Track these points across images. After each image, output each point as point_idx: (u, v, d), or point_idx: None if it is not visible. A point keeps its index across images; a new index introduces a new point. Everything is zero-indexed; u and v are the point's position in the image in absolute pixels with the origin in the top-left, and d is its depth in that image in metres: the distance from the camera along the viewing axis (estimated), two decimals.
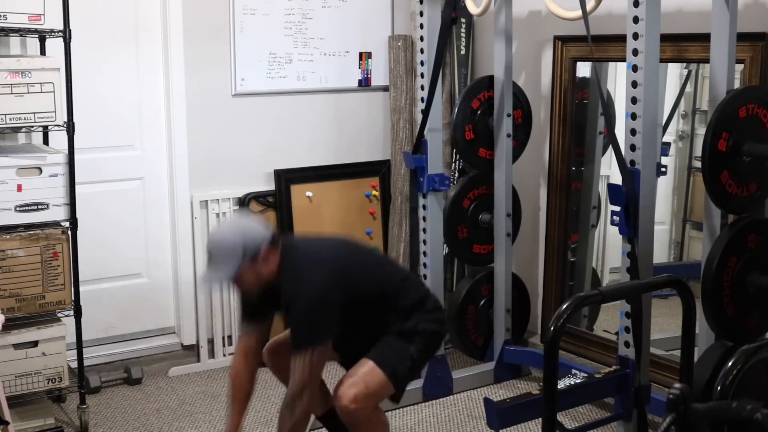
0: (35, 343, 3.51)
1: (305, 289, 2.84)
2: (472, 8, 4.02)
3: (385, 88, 4.72)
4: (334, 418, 3.22)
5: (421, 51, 3.95)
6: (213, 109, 4.37)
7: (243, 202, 4.41)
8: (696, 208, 4.11)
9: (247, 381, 3.09)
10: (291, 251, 2.93)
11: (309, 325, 2.83)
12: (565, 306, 2.33)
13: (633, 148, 3.12)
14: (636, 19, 3.04)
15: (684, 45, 3.60)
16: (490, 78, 4.11)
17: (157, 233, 4.38)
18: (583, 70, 4.19)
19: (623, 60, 3.14)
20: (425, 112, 3.89)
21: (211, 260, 2.88)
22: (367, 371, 2.91)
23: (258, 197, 4.45)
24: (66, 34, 3.49)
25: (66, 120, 3.53)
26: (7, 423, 3.06)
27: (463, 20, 4.56)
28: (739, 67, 3.33)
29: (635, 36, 3.05)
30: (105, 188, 4.19)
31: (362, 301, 2.95)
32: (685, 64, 3.99)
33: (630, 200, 3.10)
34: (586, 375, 3.21)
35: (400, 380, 2.98)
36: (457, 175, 4.57)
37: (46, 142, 3.86)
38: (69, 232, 3.57)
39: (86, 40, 3.83)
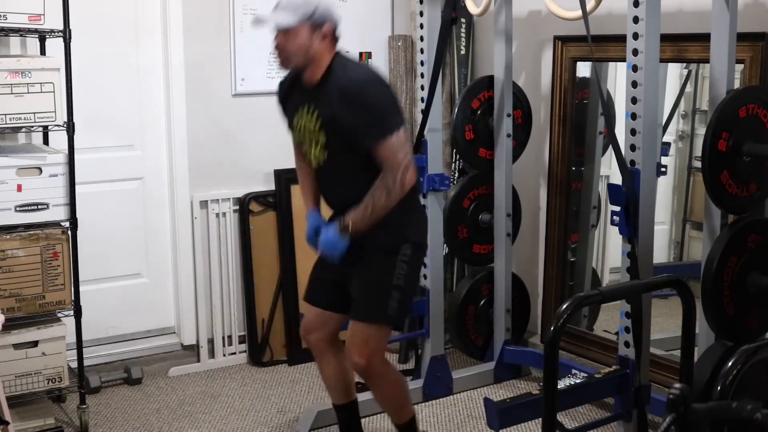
0: (35, 343, 3.51)
1: (364, 78, 2.90)
2: (472, 8, 4.02)
3: None
4: (352, 410, 3.31)
5: (421, 51, 3.95)
6: (213, 109, 4.37)
7: (243, 202, 4.41)
8: (696, 208, 4.11)
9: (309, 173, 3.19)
10: (343, 57, 2.99)
11: (383, 107, 2.85)
12: (565, 306, 2.33)
13: (633, 148, 3.12)
14: (636, 19, 3.04)
15: (684, 45, 3.59)
16: (490, 78, 4.11)
17: (157, 233, 4.38)
18: (583, 70, 4.19)
19: (623, 60, 3.14)
20: (425, 112, 3.89)
21: (278, 6, 2.91)
22: (364, 333, 3.00)
23: (258, 197, 4.45)
24: (66, 34, 3.49)
25: (66, 120, 3.53)
26: (7, 423, 3.06)
27: (463, 20, 4.55)
28: (739, 67, 3.33)
29: (635, 36, 3.05)
30: (105, 188, 4.19)
31: None
32: (685, 64, 3.99)
33: (630, 200, 3.10)
34: (586, 375, 3.21)
35: (395, 318, 3.06)
36: (457, 175, 4.57)
37: (46, 142, 3.86)
38: (69, 232, 3.57)
39: (86, 40, 3.82)
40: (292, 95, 3.06)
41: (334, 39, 2.94)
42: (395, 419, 3.23)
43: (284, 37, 2.88)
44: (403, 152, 2.85)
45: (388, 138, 2.82)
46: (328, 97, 2.88)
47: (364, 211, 2.89)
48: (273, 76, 4.45)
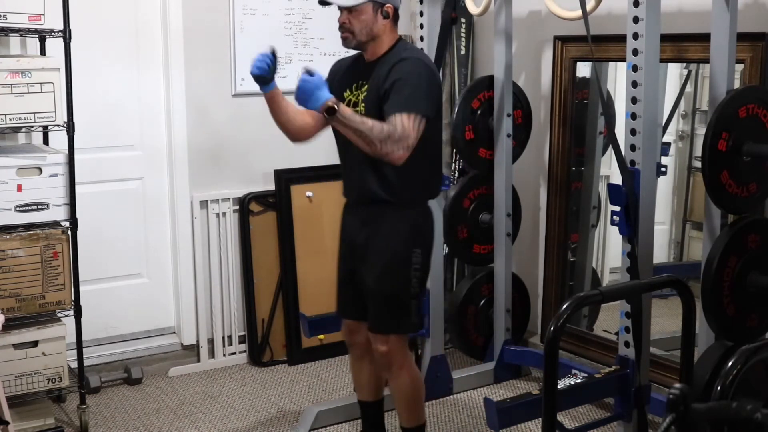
0: (35, 343, 3.51)
1: (415, 60, 2.97)
2: (472, 8, 4.02)
3: None
4: (377, 408, 3.37)
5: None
6: (213, 109, 4.37)
7: (243, 202, 4.41)
8: (696, 208, 4.11)
9: (305, 121, 3.29)
10: (406, 42, 3.12)
11: (418, 89, 2.89)
12: (564, 306, 2.33)
13: (633, 148, 3.12)
14: (636, 19, 3.04)
15: (684, 45, 3.60)
16: (490, 78, 4.10)
17: (157, 233, 4.38)
18: (583, 70, 4.19)
19: (623, 60, 3.14)
20: None
21: None
22: (390, 340, 3.07)
23: (258, 197, 4.45)
24: (66, 34, 3.49)
25: (66, 120, 3.53)
26: (7, 423, 3.06)
27: (463, 20, 4.56)
28: (739, 67, 3.33)
29: (635, 36, 3.05)
30: (105, 188, 4.19)
31: (432, 131, 3.01)
32: (685, 64, 3.99)
33: (630, 200, 3.10)
34: (586, 375, 3.21)
35: (417, 323, 3.13)
36: (457, 175, 4.57)
37: (46, 142, 3.87)
38: (69, 232, 3.57)
39: (86, 40, 3.83)
40: (347, 72, 3.15)
41: (395, 19, 3.07)
42: (404, 421, 3.21)
43: (348, 16, 2.99)
44: (414, 136, 2.84)
45: (410, 113, 2.84)
46: (380, 72, 2.97)
47: (359, 120, 2.82)
48: None
